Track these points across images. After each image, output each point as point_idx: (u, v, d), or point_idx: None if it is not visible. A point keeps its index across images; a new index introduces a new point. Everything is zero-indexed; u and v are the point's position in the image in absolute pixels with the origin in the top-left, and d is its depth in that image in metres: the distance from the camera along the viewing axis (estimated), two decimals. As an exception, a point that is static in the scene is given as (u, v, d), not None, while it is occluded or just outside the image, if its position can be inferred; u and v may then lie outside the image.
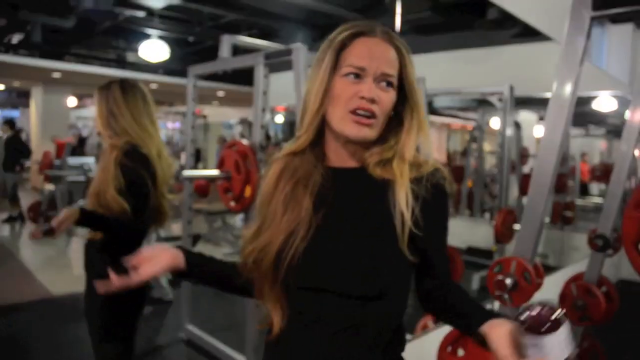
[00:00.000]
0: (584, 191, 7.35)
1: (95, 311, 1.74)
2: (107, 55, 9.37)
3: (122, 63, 9.26)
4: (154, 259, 0.95)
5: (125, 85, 1.83)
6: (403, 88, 0.93)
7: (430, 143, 0.98)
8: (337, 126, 0.90)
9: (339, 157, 0.95)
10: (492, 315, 0.88)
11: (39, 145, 10.14)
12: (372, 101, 0.87)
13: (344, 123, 0.89)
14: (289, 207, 0.93)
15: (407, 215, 0.87)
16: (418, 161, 0.93)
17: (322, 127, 0.94)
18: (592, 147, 7.66)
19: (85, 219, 1.61)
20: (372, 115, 0.87)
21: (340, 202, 0.92)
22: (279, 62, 2.64)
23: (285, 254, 0.89)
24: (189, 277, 1.02)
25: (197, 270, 1.01)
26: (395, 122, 0.94)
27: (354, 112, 0.88)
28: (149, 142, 1.80)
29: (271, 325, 0.95)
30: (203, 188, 3.43)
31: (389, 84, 0.89)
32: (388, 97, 0.89)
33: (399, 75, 0.91)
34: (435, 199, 0.91)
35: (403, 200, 0.88)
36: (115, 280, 0.92)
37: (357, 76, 0.88)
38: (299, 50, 2.45)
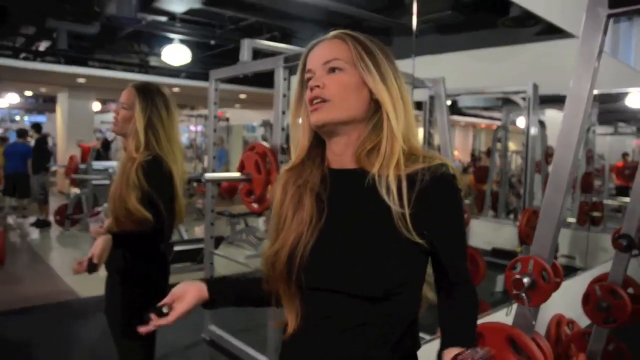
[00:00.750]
0: (622, 192, 7.09)
1: (116, 307, 1.77)
2: (130, 60, 9.53)
3: (144, 67, 9.41)
4: (184, 297, 1.01)
5: (168, 103, 1.81)
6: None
7: (412, 123, 0.98)
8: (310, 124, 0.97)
9: (336, 159, 0.98)
10: (461, 340, 0.93)
11: (66, 149, 10.37)
12: (316, 87, 0.92)
13: (310, 119, 0.95)
14: (297, 210, 0.97)
15: (398, 200, 0.88)
16: (422, 154, 0.93)
17: (315, 134, 0.99)
18: (624, 145, 7.45)
19: (117, 241, 1.61)
20: (321, 100, 0.92)
21: (339, 203, 0.95)
22: (297, 66, 2.65)
23: (296, 255, 0.92)
24: (216, 306, 1.05)
25: (221, 297, 1.05)
26: (375, 109, 0.95)
27: (311, 104, 0.94)
28: (177, 154, 1.79)
29: (286, 325, 0.98)
30: (229, 190, 3.46)
31: (333, 69, 0.93)
32: (334, 79, 0.92)
33: (354, 62, 0.93)
34: (437, 190, 0.90)
35: (393, 184, 0.89)
36: (156, 322, 0.97)
37: (309, 79, 0.95)
38: (318, 52, 2.46)
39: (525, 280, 1.65)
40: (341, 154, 0.97)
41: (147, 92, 1.79)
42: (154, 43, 8.56)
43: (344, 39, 0.95)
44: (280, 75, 2.74)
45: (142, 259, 1.76)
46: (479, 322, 1.30)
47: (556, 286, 1.72)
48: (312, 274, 0.91)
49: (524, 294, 1.65)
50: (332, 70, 0.94)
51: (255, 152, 2.68)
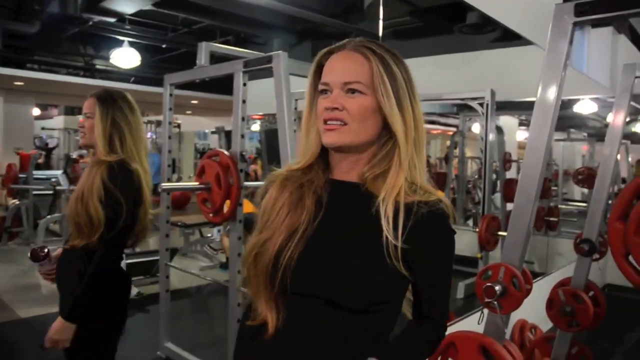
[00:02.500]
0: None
1: None
2: (74, 62, 9.09)
3: (90, 71, 9.00)
4: None
5: (131, 104, 1.79)
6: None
7: (423, 155, 0.98)
8: (322, 139, 0.95)
9: (340, 170, 0.99)
10: None
11: (2, 158, 9.77)
12: (334, 109, 0.92)
13: (322, 135, 0.95)
14: (293, 207, 0.97)
15: (393, 231, 0.89)
16: (423, 186, 0.95)
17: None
18: (574, 150, 7.80)
19: (75, 315, 1.60)
20: (340, 122, 0.92)
21: (336, 214, 0.96)
22: (257, 70, 2.58)
23: (284, 254, 0.92)
24: None
25: None
26: (387, 133, 0.96)
27: (325, 122, 0.93)
28: (143, 157, 1.78)
29: (263, 323, 0.95)
30: (181, 200, 3.32)
31: (353, 91, 0.92)
32: (354, 103, 0.92)
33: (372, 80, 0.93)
34: (431, 227, 0.92)
35: (391, 214, 0.90)
36: None
37: (326, 92, 0.95)
38: (280, 58, 2.39)
39: (497, 287, 1.64)
40: (347, 170, 0.98)
41: (107, 97, 1.76)
42: (101, 45, 8.20)
43: (366, 55, 0.94)
44: (239, 80, 2.64)
45: (101, 277, 1.66)
46: (451, 331, 1.29)
47: (527, 293, 1.72)
48: (298, 278, 0.92)
49: (495, 302, 1.64)
50: (352, 91, 0.93)
51: (219, 162, 2.56)
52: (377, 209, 0.91)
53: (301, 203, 0.96)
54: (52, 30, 6.77)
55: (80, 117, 1.82)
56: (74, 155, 9.47)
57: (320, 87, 0.96)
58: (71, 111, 13.67)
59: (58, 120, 14.15)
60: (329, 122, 0.93)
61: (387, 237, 0.89)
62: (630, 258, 1.29)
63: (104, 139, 1.72)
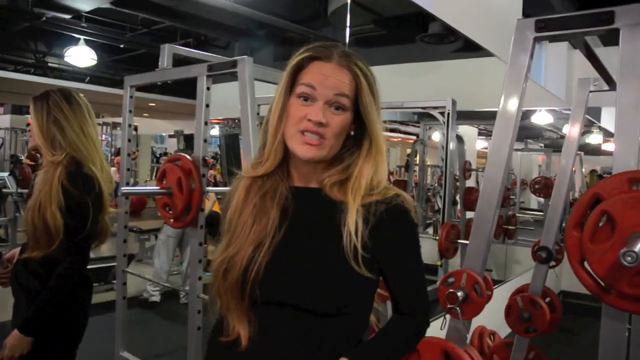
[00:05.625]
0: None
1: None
2: (24, 59, 8.71)
3: (42, 69, 8.64)
4: None
5: (68, 95, 1.68)
6: (360, 111, 0.95)
7: (385, 166, 1.00)
8: (289, 145, 0.95)
9: (301, 177, 1.00)
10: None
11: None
12: (320, 124, 0.91)
13: (294, 142, 0.93)
14: (257, 218, 0.96)
15: (354, 236, 0.90)
16: (380, 186, 0.97)
17: (286, 147, 0.98)
18: (531, 160, 8.05)
19: (33, 328, 1.52)
20: (320, 137, 0.92)
21: (299, 221, 0.97)
22: (220, 74, 2.55)
23: (252, 267, 0.93)
24: None
25: None
26: (353, 143, 0.98)
27: (302, 133, 0.92)
28: (95, 156, 1.68)
29: (236, 337, 0.95)
30: (137, 205, 3.22)
31: (339, 107, 0.93)
32: (338, 120, 0.93)
33: (354, 98, 0.95)
34: (390, 223, 0.93)
35: (352, 221, 0.91)
36: None
37: (307, 99, 0.93)
38: (245, 62, 2.36)
39: (459, 293, 1.66)
40: (307, 174, 0.99)
41: (40, 95, 1.68)
42: (54, 42, 7.89)
43: (355, 72, 0.95)
44: (203, 84, 2.59)
45: (63, 289, 1.60)
46: None
47: (488, 299, 1.76)
48: (266, 287, 0.93)
49: (457, 308, 1.67)
50: (339, 108, 0.94)
51: (180, 167, 2.50)
52: (338, 214, 0.93)
53: (265, 214, 0.96)
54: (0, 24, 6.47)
55: (30, 117, 1.74)
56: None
57: (303, 89, 0.94)
58: (19, 110, 13.09)
59: (4, 119, 13.54)
60: (307, 135, 0.92)
61: (348, 241, 0.90)
62: (586, 264, 1.34)
63: (43, 137, 1.64)
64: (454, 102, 3.39)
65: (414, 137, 6.17)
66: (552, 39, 1.76)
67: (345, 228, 0.91)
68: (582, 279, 1.36)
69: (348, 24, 2.61)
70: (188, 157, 2.54)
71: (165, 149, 14.41)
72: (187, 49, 2.87)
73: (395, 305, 1.02)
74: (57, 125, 1.64)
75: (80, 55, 6.21)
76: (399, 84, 4.39)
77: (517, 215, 5.66)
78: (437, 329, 1.84)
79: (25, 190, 2.26)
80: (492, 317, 2.59)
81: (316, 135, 0.92)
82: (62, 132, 1.64)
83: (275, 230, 0.95)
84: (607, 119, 5.16)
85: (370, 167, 0.96)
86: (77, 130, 1.66)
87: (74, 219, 1.57)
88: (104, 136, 12.85)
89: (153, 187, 2.69)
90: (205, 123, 2.63)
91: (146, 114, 11.89)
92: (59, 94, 1.68)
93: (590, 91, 2.39)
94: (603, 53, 2.15)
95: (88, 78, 8.59)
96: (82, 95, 1.76)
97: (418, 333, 1.05)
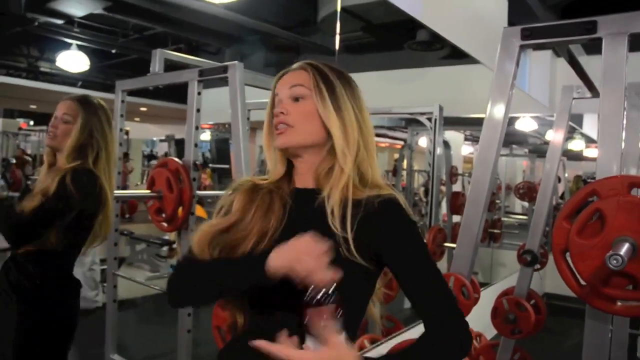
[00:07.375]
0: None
1: (8, 341, 1.58)
2: (15, 63, 8.67)
3: (34, 73, 8.61)
4: None
5: (110, 116, 1.77)
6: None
7: (373, 156, 1.05)
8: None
9: (300, 179, 1.07)
10: None
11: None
12: (281, 114, 1.01)
13: (275, 140, 1.04)
14: (265, 212, 1.03)
15: (338, 224, 0.94)
16: (375, 182, 1.02)
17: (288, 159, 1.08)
18: (515, 165, 8.14)
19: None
20: (286, 125, 1.01)
21: (298, 217, 1.02)
22: (212, 80, 2.58)
23: (255, 252, 0.97)
24: None
25: None
26: (331, 136, 1.03)
27: (276, 128, 1.02)
28: (107, 179, 1.74)
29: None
30: (130, 208, 3.24)
31: (297, 97, 1.02)
32: (297, 107, 1.02)
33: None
34: (385, 215, 0.96)
35: (337, 207, 0.96)
36: None
37: (276, 105, 1.04)
38: (235, 68, 2.40)
39: (447, 296, 1.70)
40: (304, 173, 1.06)
41: (90, 106, 1.71)
42: (46, 47, 7.87)
43: (306, 69, 1.04)
44: (194, 89, 2.62)
45: (53, 283, 1.62)
46: (400, 340, 1.30)
47: (475, 301, 1.80)
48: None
49: (445, 311, 1.70)
50: (296, 99, 1.03)
51: (168, 168, 2.53)
52: (324, 203, 0.98)
53: (271, 208, 1.03)
54: (-9, 28, 6.46)
55: (21, 121, 1.76)
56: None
57: (271, 98, 1.07)
58: (11, 114, 12.99)
59: (-3, 123, 13.43)
60: (278, 127, 1.02)
61: (336, 231, 0.94)
62: (567, 256, 1.37)
63: (73, 150, 1.66)
64: (441, 108, 3.44)
65: (402, 143, 6.21)
66: (537, 47, 1.81)
67: (330, 215, 0.96)
68: (561, 269, 1.37)
69: (338, 30, 2.64)
70: (175, 159, 2.58)
71: (151, 150, 14.37)
72: (178, 54, 2.90)
73: (419, 315, 0.95)
74: (95, 146, 1.68)
75: (73, 60, 6.19)
76: (387, 90, 4.44)
77: (502, 219, 5.72)
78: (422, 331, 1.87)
79: (17, 194, 2.26)
80: (478, 319, 2.63)
81: (282, 125, 1.01)
82: (96, 154, 1.69)
83: (278, 225, 1.01)
84: (590, 126, 5.25)
85: (344, 152, 0.99)
86: (108, 154, 1.73)
87: (55, 202, 1.56)
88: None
89: (144, 191, 2.70)
90: (196, 128, 2.66)
91: (137, 119, 11.86)
92: (105, 115, 1.74)
93: (574, 98, 2.44)
94: (586, 61, 2.21)
95: (80, 82, 8.57)
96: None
97: (462, 344, 0.95)
